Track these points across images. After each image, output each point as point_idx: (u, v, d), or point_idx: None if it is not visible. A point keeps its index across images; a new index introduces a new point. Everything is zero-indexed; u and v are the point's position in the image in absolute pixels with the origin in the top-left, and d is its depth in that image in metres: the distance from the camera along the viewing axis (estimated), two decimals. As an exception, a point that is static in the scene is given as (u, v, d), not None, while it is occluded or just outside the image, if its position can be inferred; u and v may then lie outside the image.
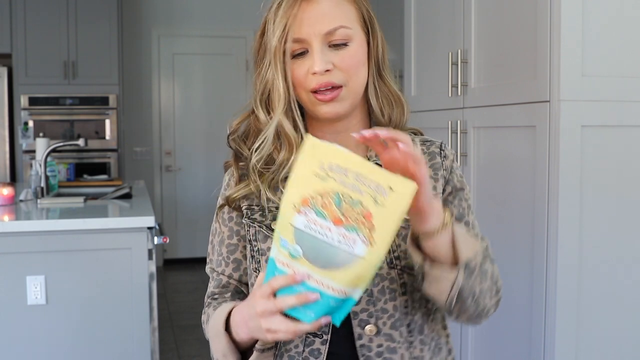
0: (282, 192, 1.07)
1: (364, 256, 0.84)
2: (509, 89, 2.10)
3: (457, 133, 2.39)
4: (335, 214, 0.84)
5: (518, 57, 2.06)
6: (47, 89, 5.45)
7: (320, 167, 0.86)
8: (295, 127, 1.08)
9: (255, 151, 1.08)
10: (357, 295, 0.87)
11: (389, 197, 0.83)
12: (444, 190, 1.12)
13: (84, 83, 5.50)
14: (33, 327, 2.57)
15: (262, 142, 1.07)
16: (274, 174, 1.08)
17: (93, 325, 2.62)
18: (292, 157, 1.06)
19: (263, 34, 1.08)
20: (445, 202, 1.12)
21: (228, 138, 1.14)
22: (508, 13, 2.12)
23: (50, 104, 5.48)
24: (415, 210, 0.90)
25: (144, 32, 6.13)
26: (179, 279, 5.65)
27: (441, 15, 2.55)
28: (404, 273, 1.06)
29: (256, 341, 1.00)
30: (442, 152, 1.15)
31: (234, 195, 1.11)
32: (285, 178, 1.07)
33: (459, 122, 2.39)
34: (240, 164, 1.14)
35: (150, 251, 2.64)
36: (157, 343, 2.73)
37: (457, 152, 2.40)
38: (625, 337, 2.00)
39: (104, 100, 5.56)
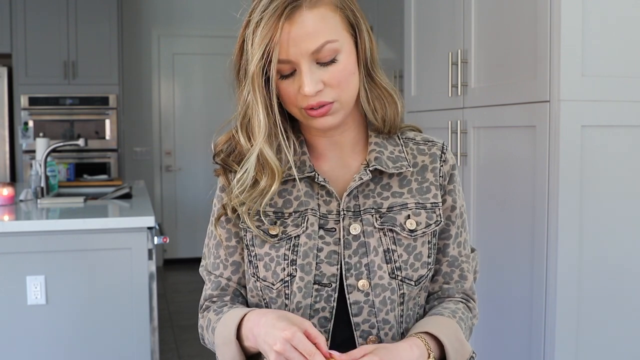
0: (263, 217, 1.06)
1: None
2: (509, 89, 2.10)
3: (457, 133, 2.39)
4: None
5: (518, 57, 2.06)
6: (47, 89, 5.45)
7: None
8: (279, 151, 1.05)
9: (237, 182, 1.05)
10: None
11: None
12: (443, 200, 1.12)
13: (84, 83, 5.50)
14: (33, 327, 2.57)
15: (244, 173, 1.04)
16: (255, 202, 1.05)
17: (93, 325, 2.62)
18: (274, 187, 1.03)
19: (242, 50, 1.03)
20: (447, 220, 1.13)
21: (214, 158, 1.11)
22: (508, 13, 2.12)
23: (50, 104, 5.47)
24: None
25: (144, 32, 6.13)
26: (179, 279, 5.65)
27: (441, 15, 2.55)
28: (404, 283, 1.05)
29: None
30: (442, 155, 1.13)
31: (231, 204, 1.09)
32: (269, 205, 1.06)
33: (459, 122, 2.39)
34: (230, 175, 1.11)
35: (150, 251, 2.64)
36: (157, 343, 2.73)
37: (457, 152, 2.39)
38: (625, 337, 2.00)
39: (104, 100, 5.56)
